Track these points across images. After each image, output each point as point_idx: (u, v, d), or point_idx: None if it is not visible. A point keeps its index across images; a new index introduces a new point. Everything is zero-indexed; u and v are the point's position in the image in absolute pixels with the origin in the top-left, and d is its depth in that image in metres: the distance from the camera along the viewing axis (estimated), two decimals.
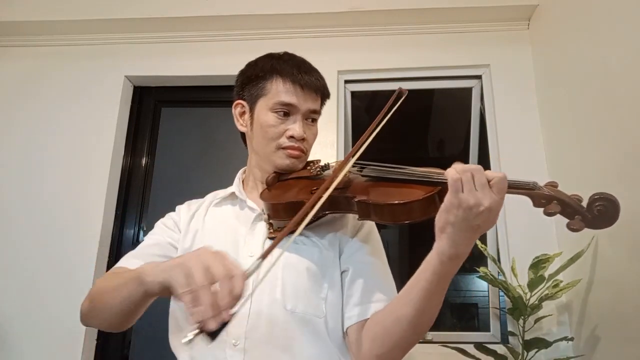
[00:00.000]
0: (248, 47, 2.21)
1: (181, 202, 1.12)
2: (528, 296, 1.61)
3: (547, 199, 0.70)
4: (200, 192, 1.12)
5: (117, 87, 2.23)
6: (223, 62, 2.21)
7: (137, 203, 2.21)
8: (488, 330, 1.95)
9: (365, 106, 2.47)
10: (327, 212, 0.91)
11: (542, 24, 2.06)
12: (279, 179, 1.00)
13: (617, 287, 1.44)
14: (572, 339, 1.66)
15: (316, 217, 0.91)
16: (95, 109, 2.20)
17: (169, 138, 2.35)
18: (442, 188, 0.75)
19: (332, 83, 2.20)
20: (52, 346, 1.88)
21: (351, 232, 0.97)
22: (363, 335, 0.85)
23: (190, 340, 0.59)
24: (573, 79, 1.76)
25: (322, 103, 1.03)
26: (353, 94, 2.28)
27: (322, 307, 0.88)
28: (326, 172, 0.98)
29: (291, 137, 0.97)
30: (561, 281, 1.62)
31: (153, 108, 2.36)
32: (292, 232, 0.73)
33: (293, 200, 0.88)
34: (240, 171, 1.11)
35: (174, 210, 1.09)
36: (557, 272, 1.58)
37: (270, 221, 0.94)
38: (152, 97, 2.37)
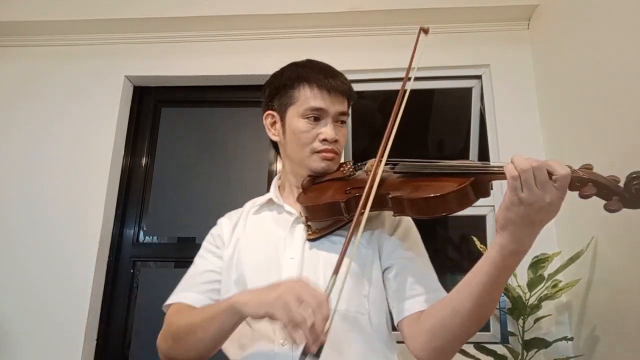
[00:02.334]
0: (248, 47, 2.21)
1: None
2: (527, 296, 1.61)
3: (582, 182, 0.69)
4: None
5: (117, 87, 2.23)
6: (223, 62, 2.21)
7: (137, 203, 2.21)
8: (488, 330, 1.95)
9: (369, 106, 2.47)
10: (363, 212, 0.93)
11: (542, 24, 2.06)
12: (314, 182, 1.02)
13: (617, 287, 1.45)
14: (571, 339, 1.66)
15: (351, 217, 0.92)
16: (95, 109, 2.20)
17: (169, 138, 2.35)
18: (474, 179, 0.77)
19: None
20: (52, 346, 1.88)
21: (389, 230, 0.99)
22: (419, 328, 0.86)
23: None
24: (573, 79, 1.76)
25: (349, 105, 1.07)
26: None
27: (365, 304, 0.91)
28: (358, 172, 1.01)
29: (324, 140, 1.00)
30: (560, 281, 1.62)
31: (153, 108, 2.36)
32: (358, 225, 0.78)
33: (329, 202, 0.91)
34: (275, 178, 1.14)
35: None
36: (557, 272, 1.58)
37: (308, 223, 0.97)
38: (152, 97, 2.37)
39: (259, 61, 2.14)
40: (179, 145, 2.34)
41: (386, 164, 0.92)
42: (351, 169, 1.01)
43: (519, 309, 1.60)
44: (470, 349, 1.64)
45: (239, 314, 0.79)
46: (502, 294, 1.79)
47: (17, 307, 1.95)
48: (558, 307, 1.78)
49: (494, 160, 2.06)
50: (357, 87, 2.28)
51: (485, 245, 1.85)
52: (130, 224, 2.19)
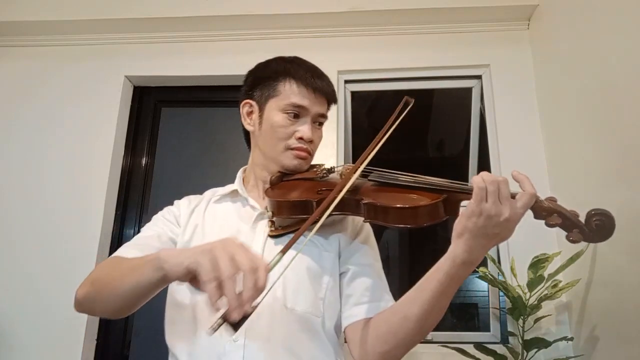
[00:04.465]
0: (248, 47, 2.21)
1: None
2: (527, 296, 1.61)
3: (548, 212, 0.73)
4: (200, 193, 1.13)
5: (117, 87, 2.23)
6: (223, 62, 2.21)
7: (137, 203, 2.21)
8: (488, 330, 1.95)
9: (367, 107, 2.47)
10: (332, 214, 0.92)
11: (542, 24, 2.06)
12: (282, 179, 1.01)
13: (617, 287, 1.45)
14: (571, 339, 1.66)
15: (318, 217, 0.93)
16: (95, 109, 2.20)
17: (169, 138, 2.35)
18: (447, 196, 0.80)
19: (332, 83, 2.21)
20: (52, 346, 1.88)
21: (351, 235, 0.99)
22: (366, 334, 0.86)
23: (214, 330, 0.61)
24: (573, 79, 1.76)
25: (329, 108, 1.06)
26: (353, 94, 2.28)
27: (320, 306, 0.90)
28: (331, 175, 1.00)
29: (300, 138, 0.99)
30: (560, 281, 1.62)
31: (153, 108, 2.36)
32: (316, 221, 0.77)
33: (300, 199, 0.90)
34: (241, 170, 1.11)
35: None
36: (557, 272, 1.58)
37: (273, 219, 0.95)
38: (152, 97, 2.37)
39: (259, 61, 2.14)
40: (179, 145, 2.34)
41: (362, 172, 0.93)
42: (324, 171, 1.00)
43: (519, 309, 1.60)
44: (470, 349, 1.64)
45: (161, 270, 0.70)
46: (502, 294, 1.80)
47: (17, 307, 1.95)
48: (558, 307, 1.78)
49: (494, 161, 2.06)
50: (357, 87, 2.30)
51: None
52: (130, 224, 2.19)
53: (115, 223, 2.14)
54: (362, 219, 0.87)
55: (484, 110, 2.15)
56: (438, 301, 0.77)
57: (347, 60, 2.19)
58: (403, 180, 0.87)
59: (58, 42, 2.31)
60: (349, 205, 0.89)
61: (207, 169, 2.24)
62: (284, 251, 0.71)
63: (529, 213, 0.74)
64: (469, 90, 2.22)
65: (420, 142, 3.16)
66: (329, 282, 0.92)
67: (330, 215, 0.89)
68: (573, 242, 0.73)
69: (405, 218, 0.81)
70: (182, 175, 2.27)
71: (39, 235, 2.03)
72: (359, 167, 0.88)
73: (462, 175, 2.24)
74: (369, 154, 0.89)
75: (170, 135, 2.36)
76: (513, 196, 0.72)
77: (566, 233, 0.74)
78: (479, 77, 2.19)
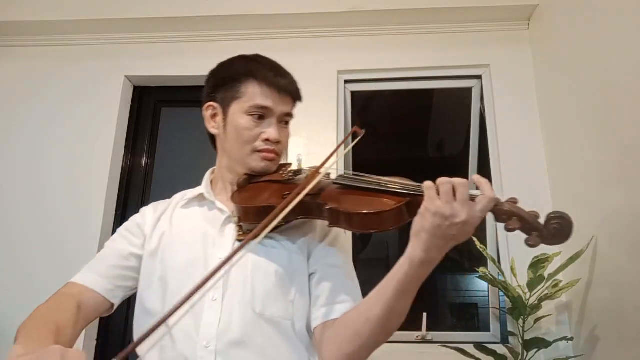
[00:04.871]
0: (248, 47, 2.19)
1: None
2: (528, 296, 1.61)
3: (508, 215, 0.73)
4: None
5: (117, 87, 2.23)
6: None
7: (137, 203, 2.21)
8: (488, 330, 1.95)
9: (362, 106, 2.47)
10: (298, 217, 0.92)
11: (542, 24, 2.06)
12: (250, 182, 1.00)
13: (617, 287, 1.45)
14: (571, 339, 1.66)
15: (286, 221, 0.92)
16: (95, 109, 2.20)
17: (169, 138, 2.35)
18: (410, 199, 0.79)
19: (332, 83, 2.22)
20: None
21: (320, 236, 0.98)
22: (331, 335, 0.86)
23: None
24: (573, 79, 1.76)
25: (294, 106, 1.04)
26: (353, 94, 2.28)
27: (290, 309, 0.89)
28: (298, 177, 0.99)
29: (267, 140, 0.97)
30: (560, 281, 1.62)
31: (153, 108, 2.36)
32: (257, 236, 0.77)
33: (264, 205, 0.89)
34: (209, 172, 1.11)
35: None
36: (557, 272, 1.58)
37: (240, 224, 0.95)
38: (152, 97, 2.37)
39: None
40: (179, 145, 2.34)
41: (326, 174, 0.93)
42: (290, 173, 0.99)
43: (519, 309, 1.60)
44: (470, 349, 1.64)
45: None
46: (502, 294, 1.80)
47: (18, 308, 1.93)
48: (558, 307, 1.78)
49: (494, 161, 2.06)
50: (357, 87, 2.30)
51: (485, 245, 1.85)
52: None
53: (115, 223, 2.14)
54: (328, 223, 0.86)
55: (484, 110, 2.15)
56: (399, 301, 0.77)
57: (347, 60, 2.19)
58: (367, 183, 0.87)
59: (58, 42, 2.31)
60: (312, 210, 0.88)
61: (207, 169, 2.24)
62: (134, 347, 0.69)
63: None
64: (469, 90, 2.22)
65: (420, 142, 3.16)
66: (299, 285, 0.92)
67: (291, 219, 0.89)
68: (531, 246, 0.72)
69: (369, 223, 0.80)
70: (182, 175, 2.27)
71: (39, 235, 2.03)
72: (318, 173, 0.88)
73: (462, 175, 2.24)
74: (327, 161, 0.90)
75: (170, 135, 2.36)
76: (473, 199, 0.71)
77: (526, 237, 0.73)
78: (479, 77, 2.19)
